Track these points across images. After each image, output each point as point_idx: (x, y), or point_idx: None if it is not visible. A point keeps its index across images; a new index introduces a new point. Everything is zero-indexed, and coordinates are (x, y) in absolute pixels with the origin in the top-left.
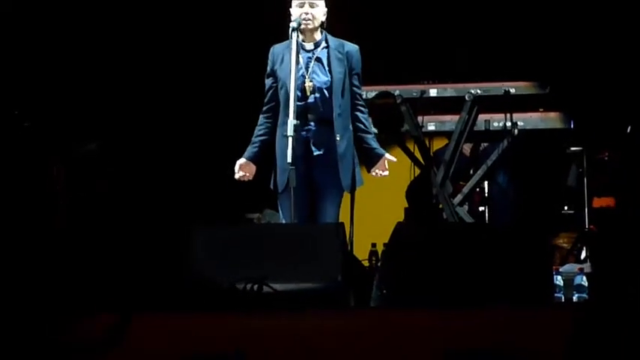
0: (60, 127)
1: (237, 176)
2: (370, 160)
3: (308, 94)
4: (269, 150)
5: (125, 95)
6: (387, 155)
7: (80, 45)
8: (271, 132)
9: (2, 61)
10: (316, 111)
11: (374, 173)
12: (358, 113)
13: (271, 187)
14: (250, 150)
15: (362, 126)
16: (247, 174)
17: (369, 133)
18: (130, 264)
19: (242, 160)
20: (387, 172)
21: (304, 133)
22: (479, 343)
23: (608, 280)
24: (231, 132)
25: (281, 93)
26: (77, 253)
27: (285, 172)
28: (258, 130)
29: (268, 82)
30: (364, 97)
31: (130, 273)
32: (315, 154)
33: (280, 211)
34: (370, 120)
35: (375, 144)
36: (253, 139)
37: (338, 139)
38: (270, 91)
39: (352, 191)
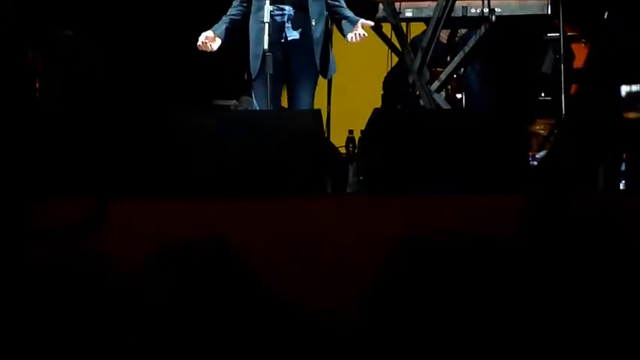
0: (35, 14)
1: (199, 44)
2: (346, 29)
3: None
4: (239, 30)
5: None
6: (363, 20)
7: None
8: (243, 14)
9: None
10: None
11: (350, 37)
12: None
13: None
14: (218, 25)
15: (335, 1)
16: (210, 44)
17: (342, 6)
18: (105, 149)
19: (208, 32)
20: (365, 33)
21: (279, 17)
22: (454, 228)
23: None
24: (210, 20)
25: None
26: (53, 136)
27: (257, 58)
28: (230, 10)
29: None
30: None
31: (106, 158)
32: (290, 38)
33: (254, 99)
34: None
35: (349, 13)
36: (224, 17)
37: (313, 24)
38: None
39: (327, 76)
